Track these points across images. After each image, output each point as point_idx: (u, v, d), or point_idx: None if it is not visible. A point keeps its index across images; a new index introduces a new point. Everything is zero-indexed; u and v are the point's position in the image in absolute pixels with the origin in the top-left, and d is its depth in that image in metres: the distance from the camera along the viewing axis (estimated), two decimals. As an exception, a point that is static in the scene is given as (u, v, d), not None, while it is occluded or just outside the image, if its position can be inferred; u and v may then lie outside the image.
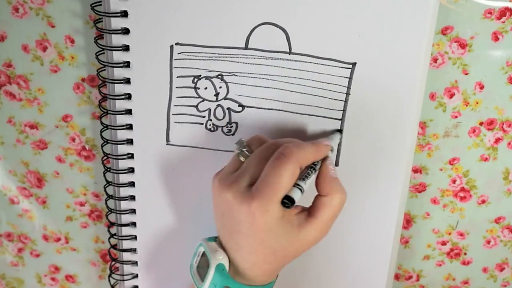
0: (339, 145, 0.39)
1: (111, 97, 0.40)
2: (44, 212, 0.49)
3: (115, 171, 0.42)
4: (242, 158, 0.34)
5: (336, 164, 0.40)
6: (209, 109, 0.40)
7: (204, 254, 0.35)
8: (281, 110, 0.39)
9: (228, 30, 0.37)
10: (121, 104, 0.40)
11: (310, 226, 0.33)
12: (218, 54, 0.38)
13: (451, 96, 0.41)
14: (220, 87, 0.39)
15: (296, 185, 0.32)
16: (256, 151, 0.34)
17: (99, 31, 0.39)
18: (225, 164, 0.36)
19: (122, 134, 0.41)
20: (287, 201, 0.31)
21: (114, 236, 0.45)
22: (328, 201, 0.33)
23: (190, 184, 0.42)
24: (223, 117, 0.40)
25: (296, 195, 0.32)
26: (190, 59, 0.38)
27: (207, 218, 0.43)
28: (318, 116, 0.39)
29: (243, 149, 0.35)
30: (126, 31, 0.38)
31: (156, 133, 0.41)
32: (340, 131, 0.39)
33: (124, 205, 0.43)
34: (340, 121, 0.39)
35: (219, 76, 0.39)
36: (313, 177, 0.34)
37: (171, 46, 0.38)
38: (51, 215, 0.49)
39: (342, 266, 0.44)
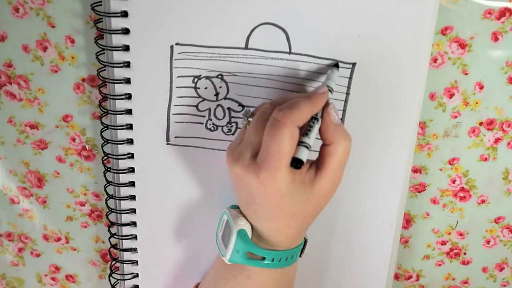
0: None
1: (111, 97, 0.40)
2: (45, 212, 0.49)
3: (115, 171, 0.42)
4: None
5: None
6: (209, 109, 0.40)
7: (227, 222, 0.35)
8: (281, 110, 0.39)
9: (228, 30, 0.37)
10: (121, 104, 0.40)
11: (321, 179, 0.32)
12: (218, 54, 0.38)
13: (451, 96, 0.41)
14: (220, 87, 0.39)
15: (300, 143, 0.31)
16: (253, 120, 0.33)
17: (99, 31, 0.39)
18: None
19: (122, 134, 0.41)
20: (296, 163, 0.30)
21: (115, 236, 0.45)
22: (333, 149, 0.32)
23: (190, 184, 0.42)
24: (223, 117, 0.40)
25: (302, 154, 0.31)
26: (190, 59, 0.38)
27: (207, 217, 0.43)
28: (318, 116, 0.39)
29: (249, 119, 0.34)
30: (126, 31, 0.38)
31: (156, 133, 0.41)
32: (336, 65, 0.37)
33: (124, 204, 0.43)
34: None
35: (219, 76, 0.39)
36: (316, 127, 0.33)
37: (171, 46, 0.38)
38: (51, 215, 0.50)
39: (342, 266, 0.44)
